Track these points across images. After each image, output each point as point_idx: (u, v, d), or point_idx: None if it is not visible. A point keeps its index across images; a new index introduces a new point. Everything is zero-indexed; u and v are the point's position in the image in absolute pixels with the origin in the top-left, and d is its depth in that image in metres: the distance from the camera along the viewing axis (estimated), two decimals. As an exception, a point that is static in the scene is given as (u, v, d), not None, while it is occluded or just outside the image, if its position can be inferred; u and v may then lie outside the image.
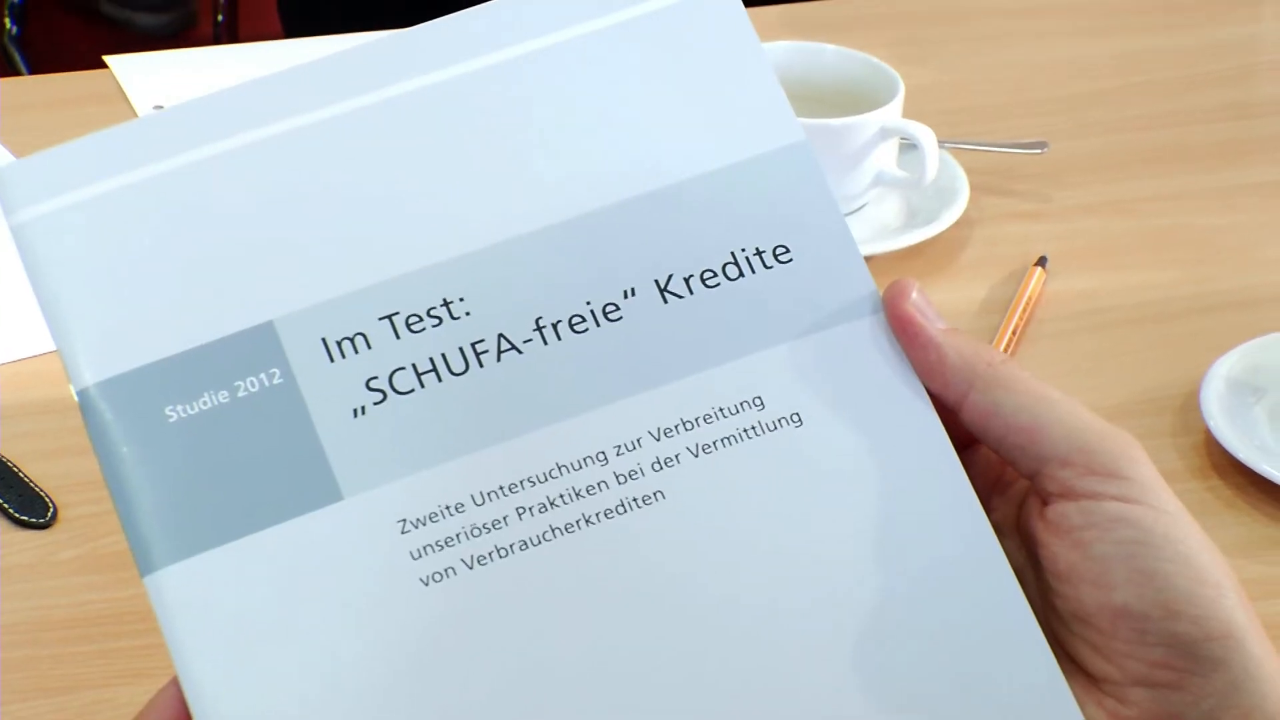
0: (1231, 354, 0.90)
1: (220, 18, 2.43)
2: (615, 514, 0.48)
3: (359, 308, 0.49)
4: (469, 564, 0.47)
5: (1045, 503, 0.48)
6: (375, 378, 0.48)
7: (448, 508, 0.48)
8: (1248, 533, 0.82)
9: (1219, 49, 1.27)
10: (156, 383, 0.48)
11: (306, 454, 0.48)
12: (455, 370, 0.49)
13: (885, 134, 1.00)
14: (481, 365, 0.49)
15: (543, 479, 0.48)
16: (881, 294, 0.50)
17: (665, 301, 0.49)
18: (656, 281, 0.50)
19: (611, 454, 0.48)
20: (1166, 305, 0.98)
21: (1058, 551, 0.47)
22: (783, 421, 0.49)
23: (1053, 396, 0.48)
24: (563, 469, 0.48)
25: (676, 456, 0.48)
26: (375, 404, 0.48)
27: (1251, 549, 0.82)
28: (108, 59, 1.18)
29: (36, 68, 2.33)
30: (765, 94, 0.52)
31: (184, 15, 2.58)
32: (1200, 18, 1.31)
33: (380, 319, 0.49)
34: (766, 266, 0.50)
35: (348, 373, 0.48)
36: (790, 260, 0.50)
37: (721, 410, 0.49)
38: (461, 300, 0.49)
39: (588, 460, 0.48)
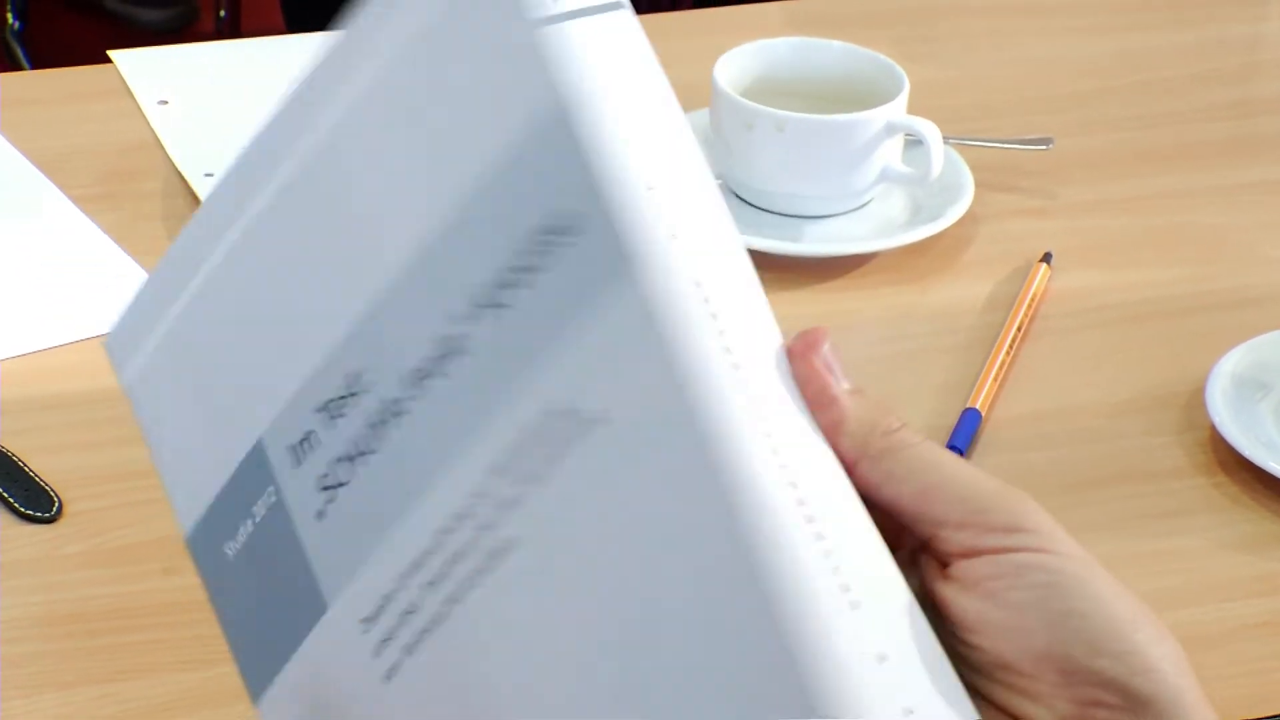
0: (1237, 350, 0.90)
1: (223, 13, 2.44)
2: (486, 572, 0.45)
3: (303, 404, 0.48)
4: (408, 651, 0.46)
5: (945, 564, 0.48)
6: (325, 475, 0.48)
7: (385, 597, 0.47)
8: (1253, 529, 0.82)
9: (1224, 47, 1.27)
10: (215, 524, 0.50)
11: (300, 569, 0.48)
12: (369, 449, 0.47)
13: (890, 130, 1.00)
14: (384, 437, 0.47)
15: (434, 549, 0.46)
16: (788, 343, 0.48)
17: (499, 312, 0.45)
18: (475, 298, 0.45)
19: (470, 506, 0.45)
20: (1172, 302, 0.98)
21: (967, 605, 0.47)
22: (597, 424, 0.44)
23: (943, 460, 0.48)
24: (442, 535, 0.46)
25: (519, 497, 0.45)
26: (329, 503, 0.48)
27: (1256, 545, 0.82)
28: (112, 53, 1.18)
29: (39, 63, 2.33)
30: (529, 67, 0.45)
31: (186, 10, 2.58)
32: (1206, 15, 1.31)
33: (317, 411, 0.48)
34: (557, 248, 0.44)
35: (308, 475, 0.48)
36: (574, 244, 0.44)
37: (546, 428, 0.44)
38: (361, 374, 0.47)
39: (456, 519, 0.46)
